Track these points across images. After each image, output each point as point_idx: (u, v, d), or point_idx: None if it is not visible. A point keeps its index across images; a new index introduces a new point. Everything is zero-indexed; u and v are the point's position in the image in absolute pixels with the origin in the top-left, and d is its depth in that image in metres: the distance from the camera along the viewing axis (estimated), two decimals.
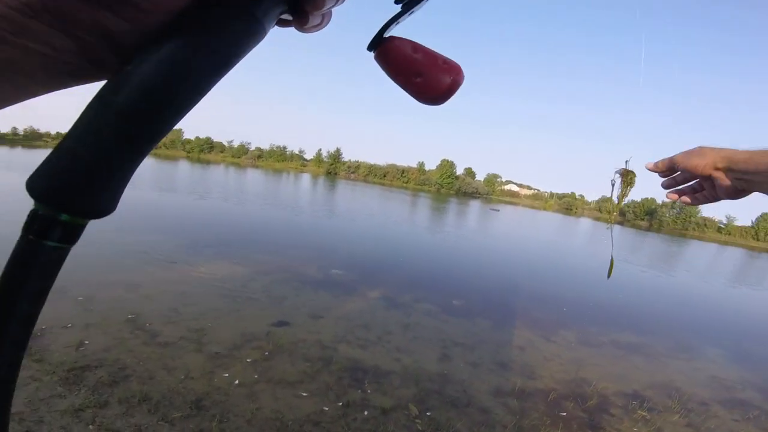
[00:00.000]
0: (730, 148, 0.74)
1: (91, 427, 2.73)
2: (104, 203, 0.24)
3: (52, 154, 0.23)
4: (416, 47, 0.33)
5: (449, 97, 0.33)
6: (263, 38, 0.29)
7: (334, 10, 0.33)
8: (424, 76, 0.32)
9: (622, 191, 0.90)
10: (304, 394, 3.56)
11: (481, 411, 3.79)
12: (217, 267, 7.20)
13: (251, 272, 7.19)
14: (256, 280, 6.75)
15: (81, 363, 3.47)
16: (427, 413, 3.57)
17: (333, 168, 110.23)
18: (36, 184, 0.22)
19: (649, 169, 0.89)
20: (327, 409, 3.38)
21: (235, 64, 0.27)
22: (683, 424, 4.18)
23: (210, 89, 0.27)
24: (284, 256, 8.91)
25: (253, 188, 30.02)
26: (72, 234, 0.24)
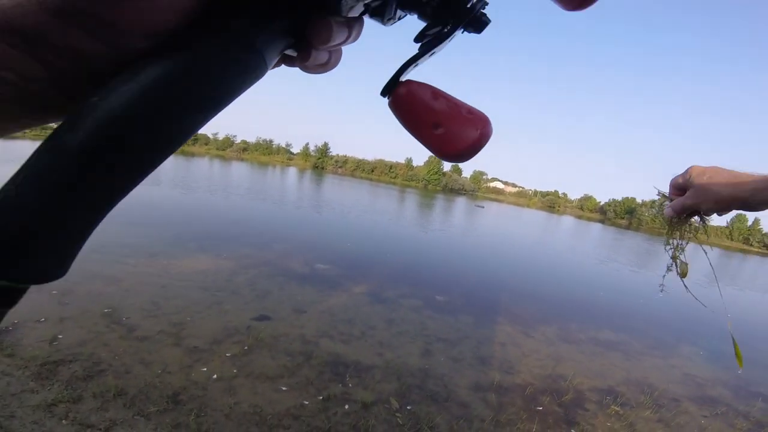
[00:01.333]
0: (721, 171, 0.77)
1: (64, 422, 2.67)
2: (50, 266, 0.20)
3: None
4: (437, 93, 0.29)
5: (474, 154, 0.29)
6: (263, 75, 0.25)
7: (344, 48, 0.30)
8: (445, 128, 0.28)
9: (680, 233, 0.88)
10: (284, 389, 3.55)
11: (460, 405, 3.84)
12: (200, 261, 7.10)
13: (235, 266, 7.11)
14: (239, 274, 6.68)
15: (54, 357, 3.39)
16: (408, 407, 3.60)
17: (320, 162, 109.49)
18: None
19: (669, 216, 0.90)
20: (307, 403, 3.38)
21: (228, 103, 0.23)
22: (654, 420, 4.31)
23: (194, 132, 0.22)
24: (269, 250, 8.84)
25: (238, 181, 29.63)
26: (10, 299, 0.20)
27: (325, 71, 0.30)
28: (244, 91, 0.23)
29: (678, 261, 0.88)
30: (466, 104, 0.29)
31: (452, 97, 0.29)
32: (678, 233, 0.88)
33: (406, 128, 0.30)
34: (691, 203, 0.81)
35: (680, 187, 0.85)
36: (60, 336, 3.76)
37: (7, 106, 0.23)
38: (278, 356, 4.13)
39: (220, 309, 5.13)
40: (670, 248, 0.86)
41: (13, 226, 0.18)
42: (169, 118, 0.20)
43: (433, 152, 0.30)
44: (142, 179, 0.22)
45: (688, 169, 0.83)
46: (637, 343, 6.89)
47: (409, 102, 0.29)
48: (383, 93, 0.30)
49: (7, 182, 0.19)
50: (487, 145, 0.29)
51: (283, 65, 0.30)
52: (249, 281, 6.43)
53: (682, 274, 0.87)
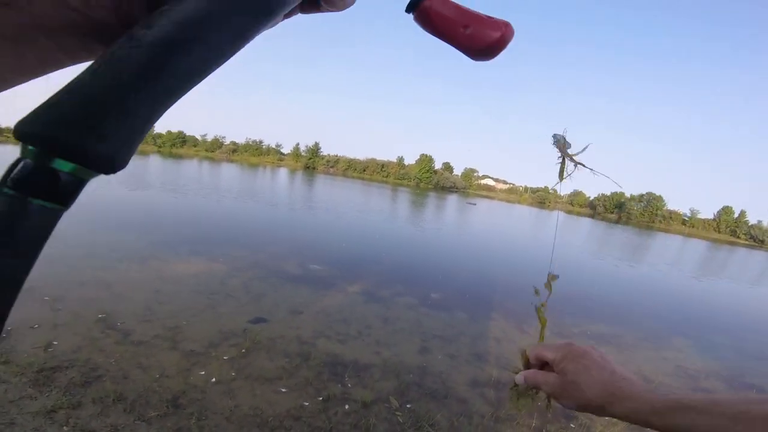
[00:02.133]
0: (602, 367, 0.61)
1: (65, 428, 2.65)
2: (116, 152, 0.19)
3: (56, 93, 0.19)
4: (458, 5, 0.32)
5: (503, 48, 0.32)
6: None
7: None
8: (474, 27, 0.31)
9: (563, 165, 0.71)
10: (284, 390, 3.55)
11: (459, 402, 3.88)
12: (192, 264, 7.05)
13: (228, 269, 7.07)
14: (233, 277, 6.65)
15: (51, 364, 3.35)
16: (408, 405, 3.62)
17: (311, 162, 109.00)
18: (27, 125, 0.18)
19: (519, 383, 0.74)
20: (307, 404, 3.38)
21: (276, 15, 0.25)
22: None
23: (251, 38, 0.24)
24: (262, 252, 8.79)
25: (229, 183, 29.39)
26: (69, 191, 0.19)
27: (344, 7, 0.31)
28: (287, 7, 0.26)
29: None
30: (485, 15, 0.33)
31: (472, 10, 0.32)
32: (523, 403, 0.74)
33: (436, 34, 0.33)
34: (548, 391, 0.65)
35: (544, 361, 0.70)
36: (55, 342, 3.72)
37: (70, 39, 0.22)
38: (276, 358, 4.13)
39: (215, 312, 5.11)
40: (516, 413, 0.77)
41: (80, 106, 0.18)
42: (229, 22, 0.22)
43: (464, 51, 0.33)
44: (198, 81, 0.22)
45: (563, 345, 0.67)
46: (629, 335, 7.00)
47: (436, 11, 0.32)
48: (408, 9, 0.33)
49: (83, 72, 0.19)
50: (509, 45, 0.32)
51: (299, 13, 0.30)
52: (243, 284, 6.40)
53: None
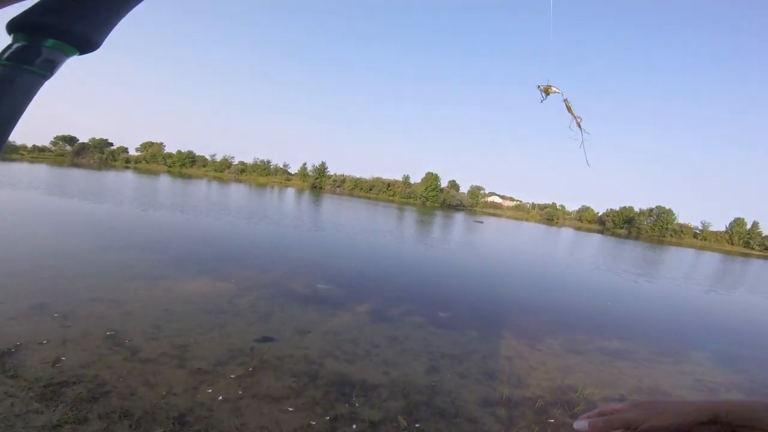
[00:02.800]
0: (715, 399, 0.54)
1: None
2: (88, 31, 0.24)
3: None
4: None
5: None
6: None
7: None
8: None
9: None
10: (291, 409, 3.49)
11: (469, 421, 3.78)
12: (201, 284, 7.07)
13: (237, 288, 7.08)
14: (241, 297, 6.65)
15: (58, 379, 3.36)
16: (416, 425, 3.54)
17: (318, 182, 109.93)
18: (18, 18, 0.23)
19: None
20: (314, 423, 3.33)
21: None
22: None
23: None
24: (270, 271, 8.80)
25: (237, 203, 29.68)
26: (50, 60, 0.24)
27: None
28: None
29: None
30: None
31: None
32: None
33: None
34: (634, 417, 0.55)
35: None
36: (63, 358, 3.72)
37: None
38: (283, 377, 4.08)
39: (223, 331, 5.09)
40: None
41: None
42: None
43: None
44: None
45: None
46: (644, 350, 6.82)
47: None
48: None
49: None
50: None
51: None
52: (251, 303, 6.39)
53: None
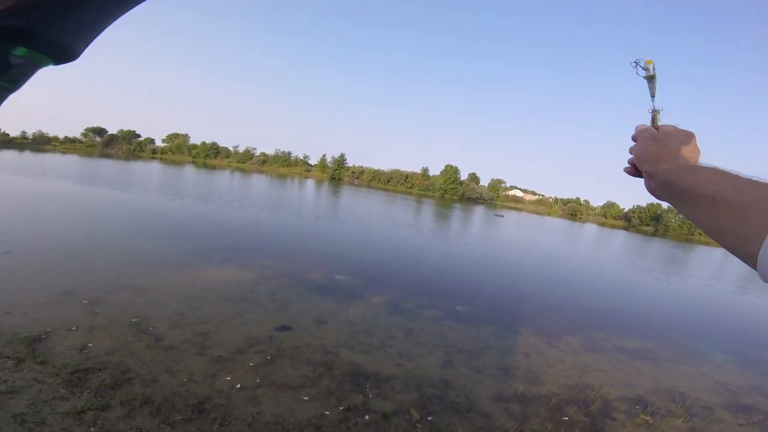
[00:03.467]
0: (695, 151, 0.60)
1: (92, 429, 2.75)
2: (62, 38, 0.21)
3: None
4: None
5: None
6: None
7: None
8: None
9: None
10: (306, 398, 3.56)
11: (482, 416, 3.77)
12: (224, 272, 7.25)
13: (257, 277, 7.22)
14: (261, 285, 6.78)
15: (84, 365, 3.51)
16: (429, 418, 3.56)
17: (337, 173, 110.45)
18: None
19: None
20: (328, 413, 3.38)
21: None
22: (686, 429, 4.15)
23: None
24: (290, 261, 8.94)
25: (259, 194, 30.17)
26: (18, 72, 0.21)
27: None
28: None
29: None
30: None
31: None
32: None
33: None
34: (639, 145, 0.65)
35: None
36: (90, 344, 3.89)
37: None
38: (300, 366, 4.16)
39: (242, 319, 5.22)
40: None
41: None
42: None
43: None
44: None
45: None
46: (665, 350, 6.64)
47: None
48: None
49: None
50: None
51: None
52: (270, 292, 6.51)
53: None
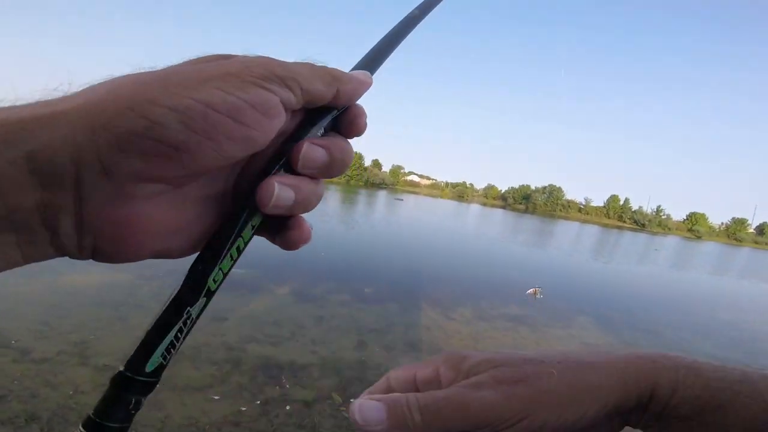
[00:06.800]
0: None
1: None
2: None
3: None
4: None
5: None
6: None
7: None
8: None
9: None
10: (216, 397, 3.37)
11: None
12: (91, 277, 6.20)
13: (134, 278, 6.34)
14: (141, 287, 6.02)
15: None
16: (351, 400, 3.60)
17: None
18: None
19: None
20: (245, 408, 3.25)
21: None
22: None
23: None
24: (174, 259, 8.10)
25: None
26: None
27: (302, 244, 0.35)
28: None
29: None
30: None
31: None
32: None
33: None
34: (487, 413, 0.29)
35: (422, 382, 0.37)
36: None
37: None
38: (203, 366, 3.88)
39: (125, 324, 4.64)
40: None
41: None
42: None
43: None
44: None
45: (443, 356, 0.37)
46: (540, 316, 7.74)
47: None
48: None
49: None
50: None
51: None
52: (153, 293, 5.82)
53: None
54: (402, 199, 54.74)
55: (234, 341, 4.55)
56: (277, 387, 3.69)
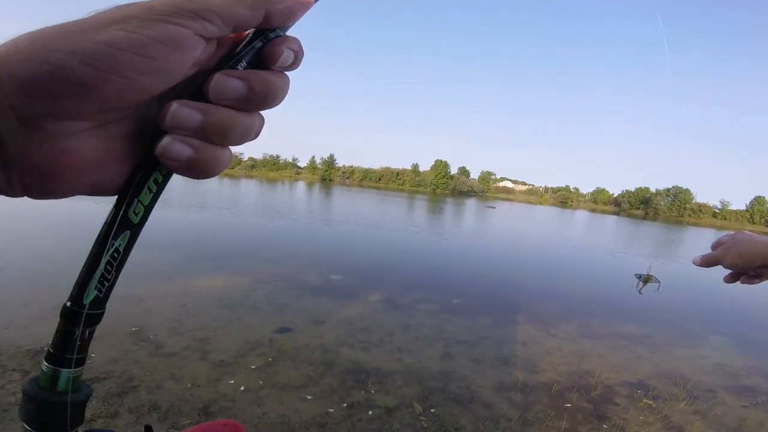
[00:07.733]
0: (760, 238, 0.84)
1: None
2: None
3: None
4: None
5: None
6: None
7: None
8: None
9: None
10: (309, 397, 3.61)
11: (484, 406, 3.85)
12: (216, 279, 7.22)
13: (251, 282, 7.22)
14: (256, 290, 6.79)
15: (90, 375, 3.52)
16: (432, 410, 3.62)
17: (327, 174, 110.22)
18: None
19: (696, 264, 1.00)
20: (332, 410, 3.43)
21: None
22: (690, 411, 4.22)
23: None
24: (283, 264, 8.95)
25: (248, 199, 30.02)
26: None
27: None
28: None
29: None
30: None
31: None
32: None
33: None
34: (715, 255, 0.89)
35: (712, 264, 0.95)
36: (93, 354, 3.89)
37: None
38: (301, 366, 4.20)
39: (240, 324, 5.24)
40: None
41: None
42: None
43: None
44: None
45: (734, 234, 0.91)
46: (661, 334, 6.77)
47: None
48: None
49: None
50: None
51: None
52: (266, 296, 6.52)
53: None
54: (494, 207, 52.63)
55: (330, 344, 4.85)
56: (363, 391, 3.82)
